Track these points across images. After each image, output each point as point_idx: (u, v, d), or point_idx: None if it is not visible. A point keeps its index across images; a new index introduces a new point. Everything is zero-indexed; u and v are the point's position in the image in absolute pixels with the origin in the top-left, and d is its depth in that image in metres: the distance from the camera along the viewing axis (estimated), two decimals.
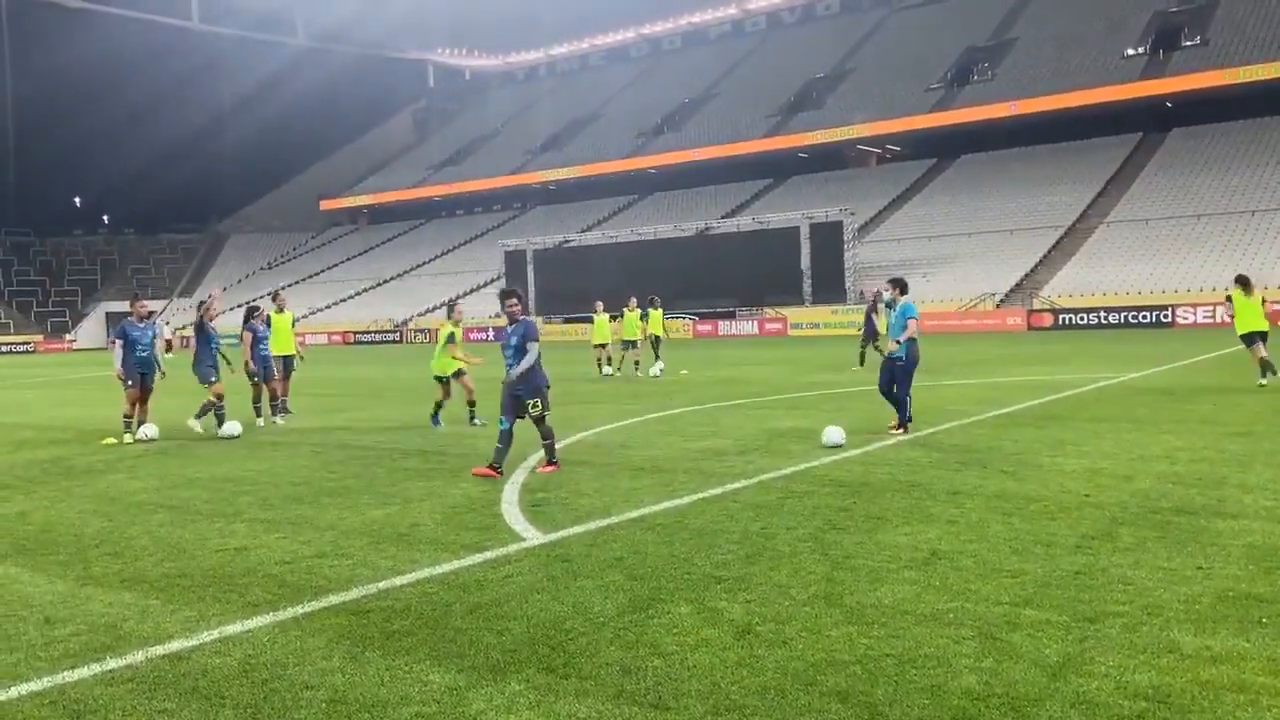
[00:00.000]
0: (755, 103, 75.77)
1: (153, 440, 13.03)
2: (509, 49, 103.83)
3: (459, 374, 13.52)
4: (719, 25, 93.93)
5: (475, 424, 13.42)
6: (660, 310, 24.76)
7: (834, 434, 10.46)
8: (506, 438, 9.34)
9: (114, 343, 13.38)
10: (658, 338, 24.19)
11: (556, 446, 9.72)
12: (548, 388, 9.52)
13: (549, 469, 9.41)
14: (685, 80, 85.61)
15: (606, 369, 23.24)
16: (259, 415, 14.58)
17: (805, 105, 73.02)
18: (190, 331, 14.50)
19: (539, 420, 9.41)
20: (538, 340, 9.41)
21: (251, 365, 14.53)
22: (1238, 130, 56.82)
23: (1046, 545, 6.11)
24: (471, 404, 13.73)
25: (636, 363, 23.13)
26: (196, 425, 13.53)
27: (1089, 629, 4.57)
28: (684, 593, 5.39)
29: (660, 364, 23.31)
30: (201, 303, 14.28)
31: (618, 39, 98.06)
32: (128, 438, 13.06)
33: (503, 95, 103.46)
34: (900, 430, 11.29)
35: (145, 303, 13.81)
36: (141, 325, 13.33)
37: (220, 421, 13.48)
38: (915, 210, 61.56)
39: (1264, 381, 15.07)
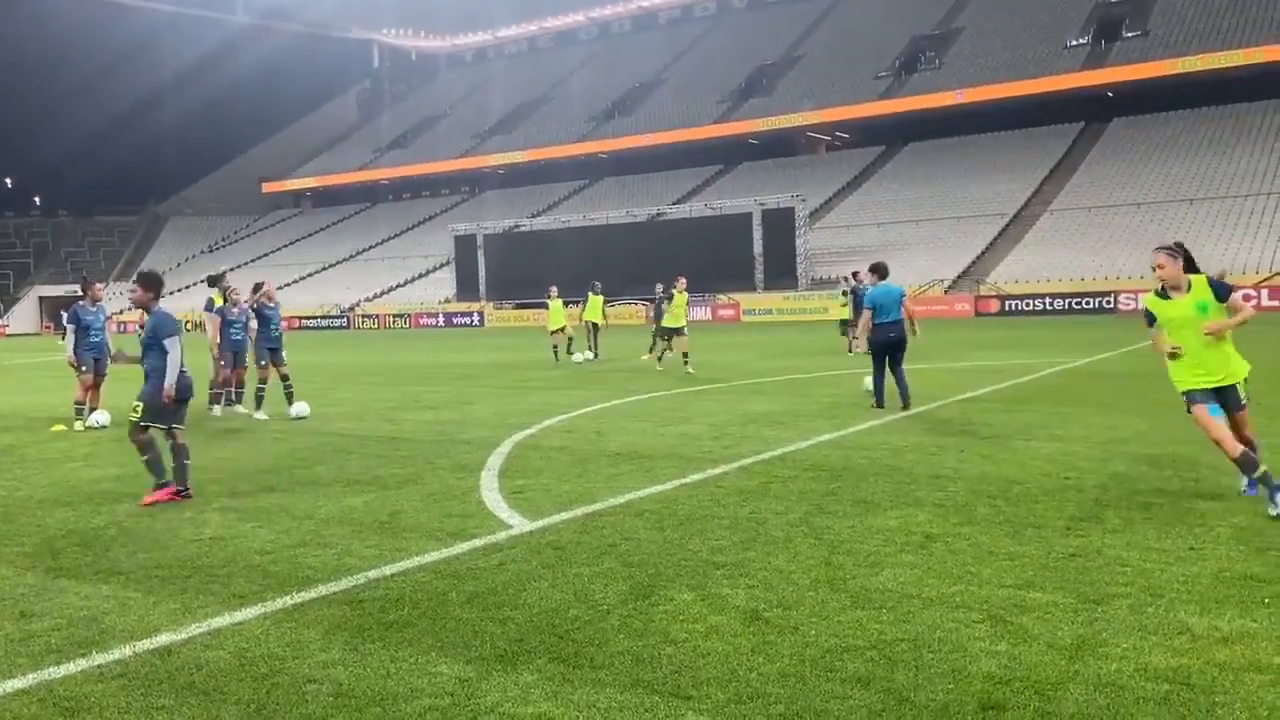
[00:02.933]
0: (706, 88, 75.79)
1: (104, 427, 12.64)
2: (456, 30, 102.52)
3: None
4: (669, 9, 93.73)
5: None
6: (601, 296, 24.42)
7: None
8: (173, 451, 7.92)
9: (54, 328, 13.04)
10: (595, 325, 23.92)
11: (188, 467, 7.90)
12: (172, 398, 7.73)
13: (154, 497, 7.71)
14: (635, 64, 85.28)
15: (580, 356, 22.89)
16: (214, 403, 14.14)
17: (755, 91, 73.23)
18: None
19: (134, 428, 7.77)
20: (176, 334, 7.74)
21: (217, 351, 14.11)
22: (1176, 120, 58.15)
23: (1037, 528, 6.15)
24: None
25: (666, 354, 20.05)
26: (259, 414, 13.35)
27: (1096, 611, 4.59)
28: (684, 579, 5.33)
29: (590, 353, 22.97)
30: (258, 285, 14.17)
31: (567, 22, 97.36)
32: (79, 425, 12.65)
33: (450, 77, 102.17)
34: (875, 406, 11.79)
35: (99, 285, 13.36)
36: (94, 309, 12.90)
37: (258, 403, 13.57)
38: (864, 197, 62.12)
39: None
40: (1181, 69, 54.98)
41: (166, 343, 7.70)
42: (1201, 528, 6.01)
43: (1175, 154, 54.63)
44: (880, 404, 11.92)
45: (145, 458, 7.86)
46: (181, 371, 7.76)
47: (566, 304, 23.88)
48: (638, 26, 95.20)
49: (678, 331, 19.14)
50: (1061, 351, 20.77)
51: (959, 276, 49.02)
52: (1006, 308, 44.41)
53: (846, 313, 24.29)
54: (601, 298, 24.36)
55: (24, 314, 78.38)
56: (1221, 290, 6.40)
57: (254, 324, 14.21)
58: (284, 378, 13.79)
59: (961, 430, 10.21)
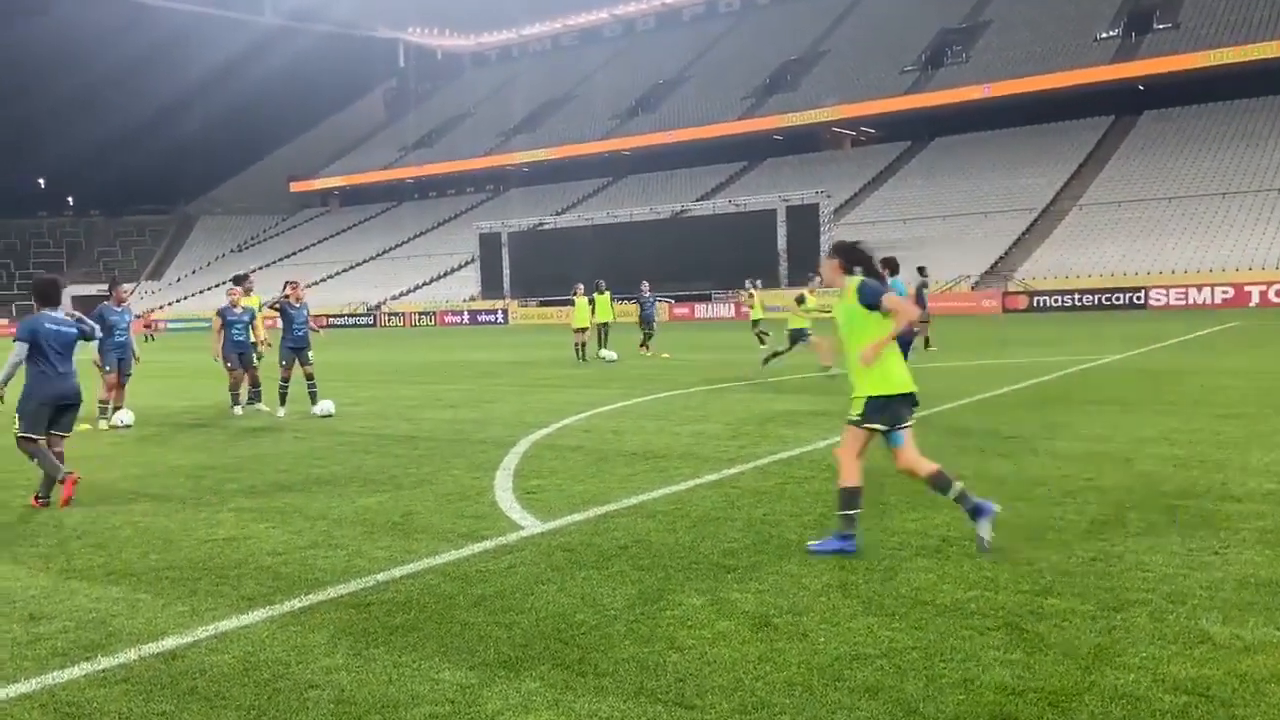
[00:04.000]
0: (730, 85, 75.52)
1: (128, 427, 12.74)
2: (481, 29, 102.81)
3: None
4: (693, 6, 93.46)
5: None
6: (607, 294, 24.28)
7: None
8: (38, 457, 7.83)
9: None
10: (606, 324, 23.76)
11: (56, 474, 7.68)
12: (49, 404, 7.76)
13: (38, 504, 7.72)
14: (659, 61, 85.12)
15: (610, 354, 22.75)
16: (235, 404, 14.21)
17: (779, 87, 72.85)
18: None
19: (21, 441, 7.74)
20: (22, 340, 7.64)
21: (221, 352, 14.16)
22: (1208, 113, 57.28)
23: (1057, 531, 6.02)
24: None
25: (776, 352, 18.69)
26: (280, 412, 13.52)
27: (1115, 618, 4.47)
28: (694, 583, 5.25)
29: (608, 351, 22.79)
30: (287, 282, 14.26)
31: (591, 19, 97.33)
32: (102, 424, 12.75)
33: (475, 76, 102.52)
34: None
35: (126, 286, 13.46)
36: (119, 309, 12.98)
37: (283, 400, 13.73)
38: (890, 193, 61.66)
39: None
40: (1213, 61, 54.13)
41: (15, 345, 7.69)
42: (1226, 531, 5.86)
43: (1207, 147, 53.80)
44: None
45: (47, 463, 7.78)
46: (64, 374, 7.81)
47: (589, 302, 23.82)
48: (661, 23, 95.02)
49: (802, 335, 17.81)
50: (1089, 348, 20.48)
51: (986, 273, 48.56)
52: (1035, 304, 43.93)
53: (760, 312, 24.15)
54: (608, 294, 24.16)
55: None
56: (867, 294, 5.47)
57: (259, 324, 14.30)
58: (308, 376, 13.82)
59: (983, 430, 10.06)
